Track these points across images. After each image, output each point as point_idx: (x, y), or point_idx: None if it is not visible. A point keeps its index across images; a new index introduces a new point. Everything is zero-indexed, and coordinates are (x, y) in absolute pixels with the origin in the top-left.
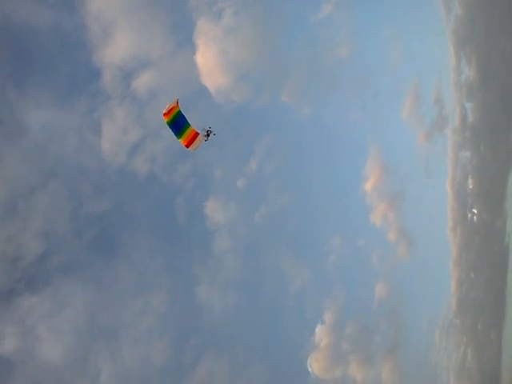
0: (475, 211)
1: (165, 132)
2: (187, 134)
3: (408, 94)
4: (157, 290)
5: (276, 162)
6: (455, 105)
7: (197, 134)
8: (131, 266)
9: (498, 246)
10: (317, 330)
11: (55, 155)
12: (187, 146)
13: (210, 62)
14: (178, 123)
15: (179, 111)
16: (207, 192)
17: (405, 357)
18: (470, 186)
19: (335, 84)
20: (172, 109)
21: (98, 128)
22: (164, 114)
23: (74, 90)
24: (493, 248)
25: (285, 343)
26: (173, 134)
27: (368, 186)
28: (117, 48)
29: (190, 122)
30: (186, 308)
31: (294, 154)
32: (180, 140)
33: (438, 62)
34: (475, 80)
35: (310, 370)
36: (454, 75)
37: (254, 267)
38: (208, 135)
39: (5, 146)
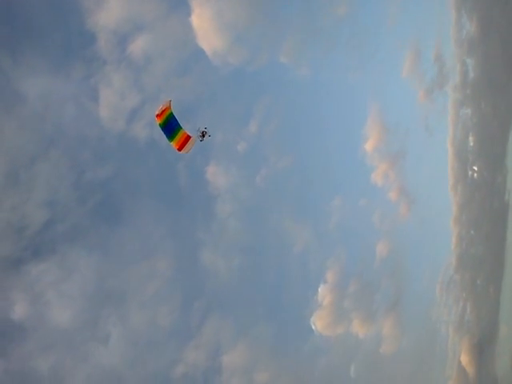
0: (476, 168)
1: (163, 96)
2: (179, 137)
3: (408, 52)
4: (161, 254)
5: (275, 124)
6: (456, 61)
7: (188, 138)
8: (135, 232)
9: (498, 203)
10: (320, 289)
11: (54, 123)
12: (179, 150)
13: (206, 23)
14: (170, 126)
15: (171, 113)
16: (208, 157)
17: (406, 313)
18: (471, 144)
19: (333, 43)
20: (164, 110)
21: (95, 94)
22: (157, 116)
23: (69, 56)
24: (493, 205)
25: (288, 303)
26: (165, 136)
27: (368, 145)
28: (110, 11)
29: (181, 125)
30: (190, 271)
31: (294, 115)
32: (172, 143)
33: (439, 18)
34: (476, 35)
35: (313, 327)
36: (455, 31)
37: (256, 229)
38: (203, 136)
39: (3, 115)
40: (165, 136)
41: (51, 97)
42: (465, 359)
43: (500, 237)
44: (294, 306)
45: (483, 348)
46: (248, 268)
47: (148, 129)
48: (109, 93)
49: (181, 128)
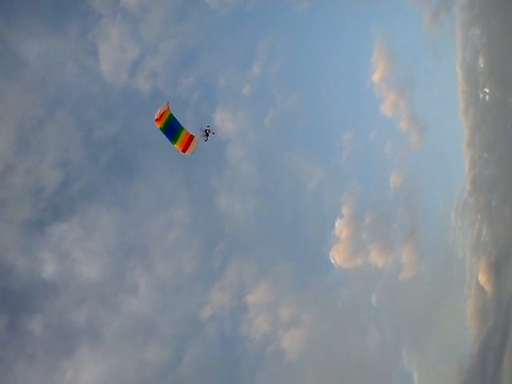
0: (487, 90)
1: (163, 45)
2: (182, 138)
3: None
4: (178, 203)
5: (280, 63)
6: None
7: (192, 137)
8: (150, 184)
9: (511, 123)
10: (336, 224)
11: (56, 84)
12: (183, 151)
13: None
14: (171, 128)
15: (171, 115)
16: (214, 103)
17: (423, 239)
18: (481, 65)
19: None
20: (163, 113)
21: (94, 50)
22: (156, 120)
23: (63, 13)
24: (506, 125)
25: (307, 239)
26: (167, 139)
27: (376, 76)
28: None
29: (183, 125)
30: (208, 217)
31: (297, 52)
32: (175, 145)
33: None
34: None
35: (332, 261)
36: None
37: (269, 171)
38: (207, 134)
39: (5, 80)
40: (168, 139)
41: (51, 57)
42: (482, 278)
43: None
44: (313, 242)
45: (500, 266)
46: (264, 209)
47: (151, 80)
48: (107, 47)
49: (183, 128)
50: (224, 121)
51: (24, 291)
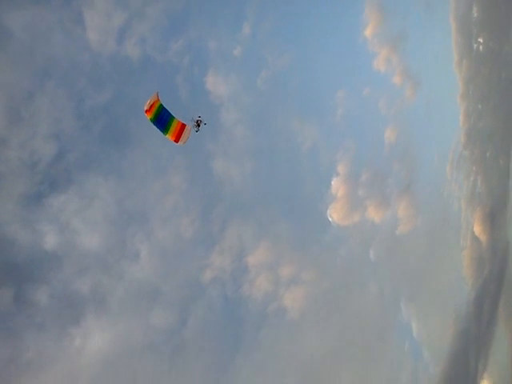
0: (481, 40)
1: (150, 10)
2: (173, 128)
3: None
4: (174, 170)
5: (270, 23)
6: None
7: (183, 126)
8: (145, 151)
9: (505, 73)
10: (332, 182)
11: (44, 54)
12: (176, 141)
13: None
14: (161, 118)
15: (161, 105)
16: (205, 66)
17: (419, 193)
18: (475, 15)
19: None
20: (153, 104)
21: (79, 18)
22: (146, 111)
23: None
24: (500, 76)
25: (304, 199)
26: (158, 130)
27: (368, 31)
28: None
29: (174, 115)
30: (205, 182)
31: (288, 11)
32: (167, 136)
33: None
34: None
35: (330, 219)
36: None
37: (264, 133)
38: (198, 125)
39: None
40: (159, 130)
41: (36, 27)
42: (478, 229)
43: (508, 107)
44: (310, 202)
45: (495, 216)
46: (261, 171)
47: (140, 46)
48: (93, 14)
49: (174, 118)
50: (216, 84)
51: (27, 263)
